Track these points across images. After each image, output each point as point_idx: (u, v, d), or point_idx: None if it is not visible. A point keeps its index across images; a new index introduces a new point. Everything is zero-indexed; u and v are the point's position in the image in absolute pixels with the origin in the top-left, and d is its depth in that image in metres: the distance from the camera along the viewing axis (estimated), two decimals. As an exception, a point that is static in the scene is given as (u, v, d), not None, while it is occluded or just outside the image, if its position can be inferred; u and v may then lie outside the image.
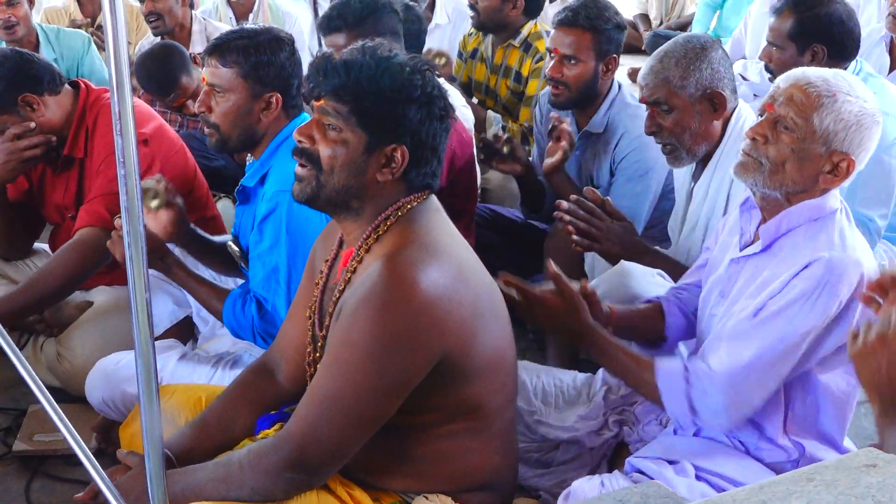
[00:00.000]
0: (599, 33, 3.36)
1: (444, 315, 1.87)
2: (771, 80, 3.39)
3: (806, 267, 2.04)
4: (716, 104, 2.69)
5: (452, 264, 1.92)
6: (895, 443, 1.60)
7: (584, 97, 3.40)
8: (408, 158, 1.95)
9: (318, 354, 2.08)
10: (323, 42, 3.42)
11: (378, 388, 1.88)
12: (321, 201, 2.00)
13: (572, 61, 3.35)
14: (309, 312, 2.14)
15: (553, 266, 2.32)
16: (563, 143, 3.30)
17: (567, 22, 3.34)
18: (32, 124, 3.00)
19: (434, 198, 2.04)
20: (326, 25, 3.34)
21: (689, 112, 2.69)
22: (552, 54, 3.39)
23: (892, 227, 3.41)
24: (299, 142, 1.98)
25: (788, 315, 2.05)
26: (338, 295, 2.02)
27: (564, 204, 2.80)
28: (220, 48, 2.64)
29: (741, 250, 2.23)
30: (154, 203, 2.71)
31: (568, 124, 3.36)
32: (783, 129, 2.09)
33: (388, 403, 1.90)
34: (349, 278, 2.00)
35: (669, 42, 2.82)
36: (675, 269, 2.73)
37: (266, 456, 1.90)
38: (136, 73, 4.07)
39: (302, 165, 1.99)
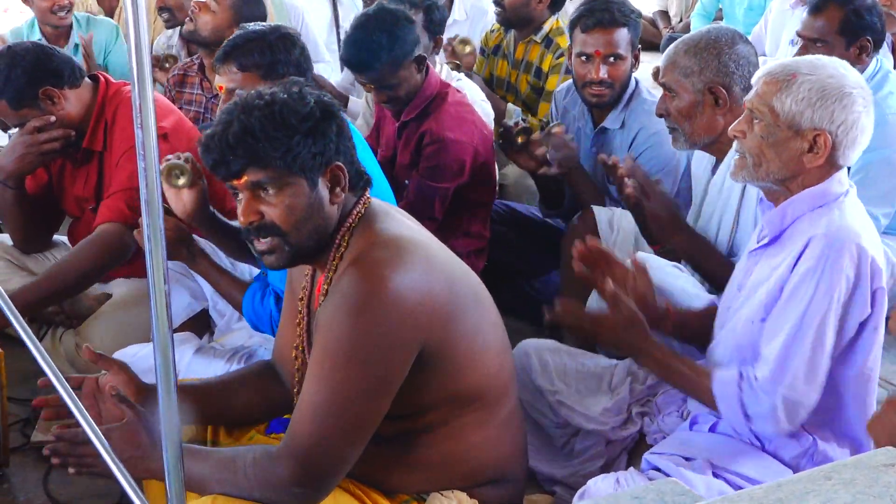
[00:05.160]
0: (633, 26, 3.37)
1: (417, 307, 1.88)
2: None
3: (805, 247, 2.08)
4: (719, 99, 2.67)
5: (419, 255, 1.93)
6: None
7: (622, 93, 3.39)
8: (346, 170, 1.97)
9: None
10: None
11: (364, 391, 1.88)
12: (300, 258, 2.00)
13: (616, 59, 3.33)
14: (297, 343, 2.14)
15: (611, 285, 2.31)
16: (542, 150, 3.28)
17: (606, 22, 3.31)
18: (53, 118, 3.01)
19: (374, 199, 2.06)
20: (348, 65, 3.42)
21: (691, 101, 2.68)
22: (590, 57, 3.32)
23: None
24: (250, 223, 1.93)
25: (800, 297, 2.07)
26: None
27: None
28: (234, 53, 2.64)
29: (758, 243, 2.25)
30: (181, 181, 2.66)
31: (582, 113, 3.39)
32: (756, 120, 2.16)
33: (377, 404, 1.91)
34: (324, 300, 2.00)
35: (696, 30, 2.84)
36: (706, 250, 2.71)
37: (270, 471, 1.90)
38: None
39: (264, 240, 1.95)
